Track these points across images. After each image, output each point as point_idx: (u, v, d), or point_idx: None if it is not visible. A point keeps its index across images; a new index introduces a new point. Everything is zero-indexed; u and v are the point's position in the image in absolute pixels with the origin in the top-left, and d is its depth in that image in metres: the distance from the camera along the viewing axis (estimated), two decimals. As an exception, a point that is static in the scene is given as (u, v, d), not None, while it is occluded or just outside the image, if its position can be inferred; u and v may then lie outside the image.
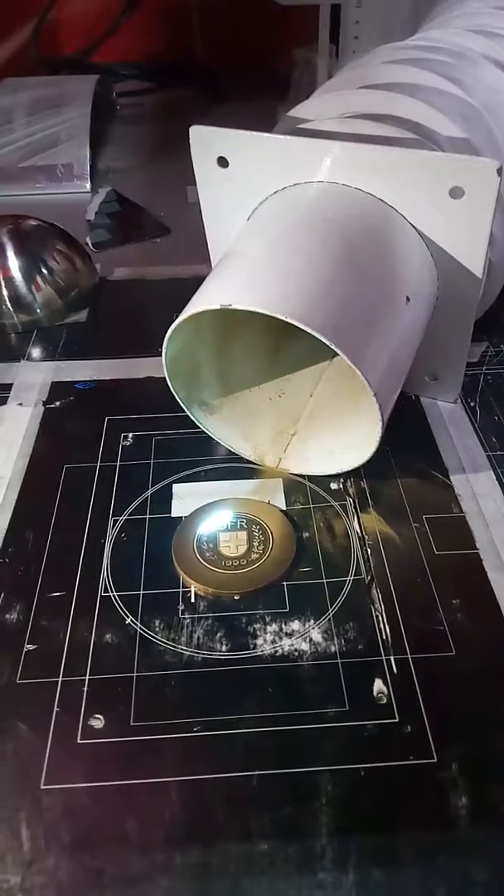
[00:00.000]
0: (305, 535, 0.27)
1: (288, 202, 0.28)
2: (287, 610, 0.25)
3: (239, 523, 0.28)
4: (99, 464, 0.31)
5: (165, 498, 0.29)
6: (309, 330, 0.23)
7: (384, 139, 0.28)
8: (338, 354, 0.23)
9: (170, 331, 0.26)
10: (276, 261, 0.26)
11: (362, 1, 0.55)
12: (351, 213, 0.27)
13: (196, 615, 0.25)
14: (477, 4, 0.39)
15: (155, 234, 0.51)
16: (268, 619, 0.24)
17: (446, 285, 0.28)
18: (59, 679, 0.23)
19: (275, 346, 0.33)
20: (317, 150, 0.27)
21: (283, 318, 0.23)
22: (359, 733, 0.21)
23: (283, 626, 0.24)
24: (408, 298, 0.26)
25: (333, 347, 0.23)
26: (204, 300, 0.25)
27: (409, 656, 0.23)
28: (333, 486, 0.29)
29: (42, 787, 0.20)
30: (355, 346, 0.24)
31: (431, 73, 0.31)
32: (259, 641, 0.24)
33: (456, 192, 0.25)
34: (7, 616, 0.25)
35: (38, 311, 0.40)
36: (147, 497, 0.29)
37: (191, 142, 0.29)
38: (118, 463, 0.31)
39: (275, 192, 0.29)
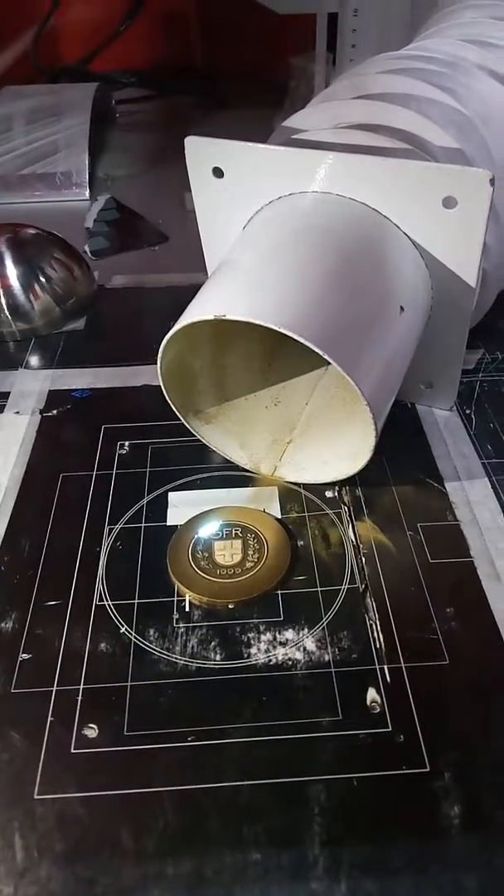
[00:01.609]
0: (300, 543, 0.28)
1: (282, 212, 0.28)
2: (281, 619, 0.25)
3: (234, 532, 0.28)
4: (95, 472, 0.31)
5: (161, 506, 0.29)
6: (302, 340, 0.23)
7: (378, 149, 0.28)
8: (332, 364, 0.23)
9: (165, 340, 0.26)
10: (271, 271, 0.26)
11: (359, 10, 0.55)
12: (345, 223, 0.27)
13: (190, 624, 0.25)
14: (472, 14, 0.39)
15: (153, 241, 0.51)
16: (262, 628, 0.25)
17: (440, 294, 0.28)
18: (54, 688, 0.23)
19: (270, 354, 0.33)
20: (311, 160, 0.28)
21: (276, 328, 0.23)
22: (352, 742, 0.21)
23: (278, 634, 0.24)
24: (402, 308, 0.27)
25: (326, 357, 0.23)
26: (198, 310, 0.25)
27: (402, 665, 0.23)
28: (328, 494, 0.30)
29: (36, 796, 0.20)
30: (348, 356, 0.24)
31: (426, 83, 0.31)
32: (253, 650, 0.24)
33: (449, 203, 0.26)
34: (2, 625, 0.25)
35: (36, 319, 0.40)
36: (143, 505, 0.29)
37: (186, 152, 0.29)
38: (114, 471, 0.31)
39: (270, 202, 0.29)
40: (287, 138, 0.30)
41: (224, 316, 0.24)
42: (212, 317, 0.24)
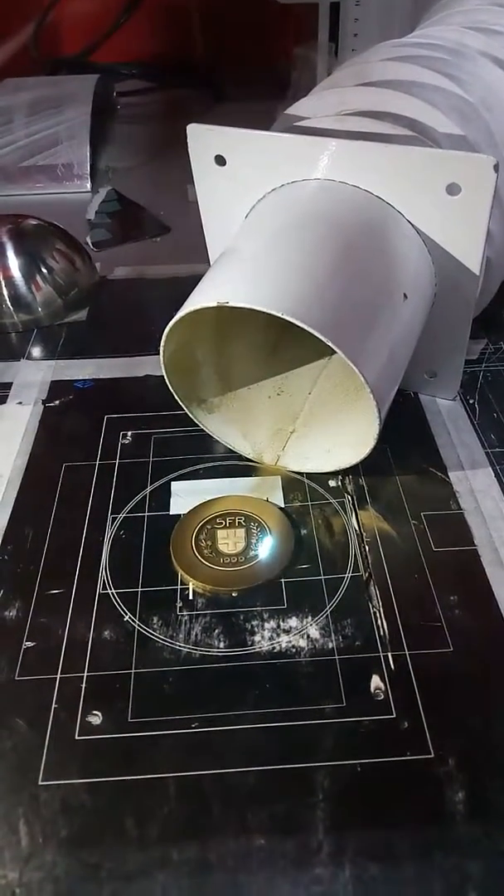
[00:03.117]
0: (303, 532, 0.27)
1: (285, 200, 0.28)
2: (285, 607, 0.25)
3: (237, 521, 0.28)
4: (98, 462, 0.31)
5: (164, 496, 0.29)
6: (305, 327, 0.23)
7: (381, 136, 0.28)
8: (336, 352, 0.23)
9: (167, 329, 0.26)
10: (273, 258, 0.26)
11: (361, -1, 0.55)
12: (348, 211, 0.27)
13: (194, 612, 0.25)
14: (476, 2, 0.39)
15: (155, 233, 0.51)
16: (265, 616, 0.25)
17: (444, 282, 0.28)
18: (58, 676, 0.23)
19: (273, 343, 0.33)
20: (314, 147, 0.27)
21: (279, 315, 0.23)
22: (356, 729, 0.21)
23: (281, 622, 0.24)
24: (405, 295, 0.26)
25: (330, 344, 0.23)
26: (201, 298, 0.25)
27: (406, 653, 0.23)
28: (332, 483, 0.29)
29: (40, 783, 0.20)
30: (352, 343, 0.24)
31: (429, 70, 0.31)
32: (257, 638, 0.24)
33: (453, 189, 0.25)
34: (6, 613, 0.25)
35: (38, 310, 0.40)
36: (146, 495, 0.29)
37: (188, 140, 0.29)
38: (117, 461, 0.31)
39: (272, 190, 0.29)
40: (290, 126, 0.30)
41: (227, 303, 0.24)
42: (214, 304, 0.24)
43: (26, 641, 0.24)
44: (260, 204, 0.29)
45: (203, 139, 0.29)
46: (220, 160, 0.29)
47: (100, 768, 0.21)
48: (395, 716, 0.22)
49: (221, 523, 0.28)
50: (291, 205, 0.28)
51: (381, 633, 0.24)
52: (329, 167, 0.27)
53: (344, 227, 0.26)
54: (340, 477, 0.30)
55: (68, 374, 0.36)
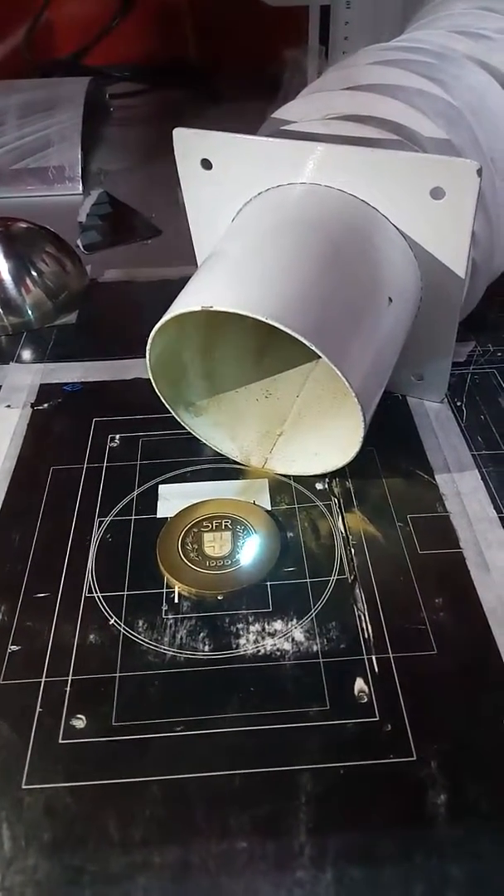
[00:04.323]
0: (290, 535, 0.28)
1: (271, 204, 0.28)
2: (270, 610, 0.25)
3: (223, 524, 0.28)
4: (86, 465, 0.31)
5: (151, 499, 0.29)
6: (289, 331, 0.23)
7: (366, 140, 0.28)
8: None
9: (153, 332, 0.26)
10: (259, 262, 0.26)
11: (351, 2, 0.55)
12: (333, 215, 0.27)
13: (179, 615, 0.25)
14: (462, 5, 0.39)
15: (146, 235, 0.51)
16: (251, 619, 0.25)
17: (430, 286, 0.28)
18: (42, 679, 0.23)
19: (261, 346, 0.33)
20: (299, 151, 0.27)
21: (263, 319, 0.23)
22: (339, 732, 0.21)
23: (266, 625, 0.24)
24: (390, 299, 0.27)
25: (314, 349, 0.23)
26: (185, 302, 0.25)
27: (390, 655, 0.23)
28: (319, 486, 0.30)
29: (23, 786, 0.20)
30: (336, 347, 0.24)
31: (415, 74, 0.31)
32: (242, 641, 0.24)
33: (437, 193, 0.26)
34: (-9, 617, 0.25)
35: (28, 313, 0.40)
36: (133, 498, 0.29)
37: (174, 144, 0.29)
38: (105, 464, 0.31)
39: (258, 194, 0.29)
40: (276, 129, 0.30)
41: (210, 307, 0.24)
42: (198, 308, 0.24)
43: (11, 645, 0.24)
44: (246, 207, 0.29)
45: (189, 143, 0.29)
46: (207, 164, 0.29)
47: (83, 772, 0.21)
48: (378, 718, 0.22)
49: (208, 526, 0.28)
50: (277, 208, 0.28)
51: (366, 635, 0.24)
52: (315, 171, 0.27)
53: (329, 231, 0.27)
54: (327, 480, 0.30)
55: (57, 378, 0.36)
